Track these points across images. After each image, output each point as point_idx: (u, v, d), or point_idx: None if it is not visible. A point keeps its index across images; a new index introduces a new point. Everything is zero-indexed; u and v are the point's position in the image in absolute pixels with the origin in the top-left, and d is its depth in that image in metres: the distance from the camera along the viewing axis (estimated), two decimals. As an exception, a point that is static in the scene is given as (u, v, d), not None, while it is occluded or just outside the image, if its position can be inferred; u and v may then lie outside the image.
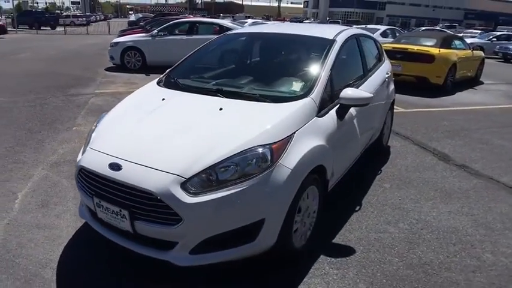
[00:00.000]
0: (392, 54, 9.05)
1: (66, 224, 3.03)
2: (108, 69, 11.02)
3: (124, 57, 10.85)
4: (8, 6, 52.26)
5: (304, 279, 2.42)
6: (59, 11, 69.08)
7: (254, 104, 2.62)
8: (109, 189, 2.24)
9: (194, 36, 10.74)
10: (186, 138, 2.35)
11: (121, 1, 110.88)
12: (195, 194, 2.08)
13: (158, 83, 3.21)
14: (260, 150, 2.22)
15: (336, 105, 2.86)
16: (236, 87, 2.94)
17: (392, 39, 12.26)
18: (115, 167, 2.23)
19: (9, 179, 3.79)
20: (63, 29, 31.67)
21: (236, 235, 2.17)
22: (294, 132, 2.39)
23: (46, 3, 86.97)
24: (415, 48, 8.96)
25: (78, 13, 57.81)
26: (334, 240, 2.87)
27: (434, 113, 7.07)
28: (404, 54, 8.92)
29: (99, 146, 2.45)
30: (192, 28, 11.28)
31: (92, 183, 2.34)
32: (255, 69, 3.51)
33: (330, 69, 2.92)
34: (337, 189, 3.53)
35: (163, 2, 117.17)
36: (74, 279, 2.43)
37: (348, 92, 2.80)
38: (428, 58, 8.69)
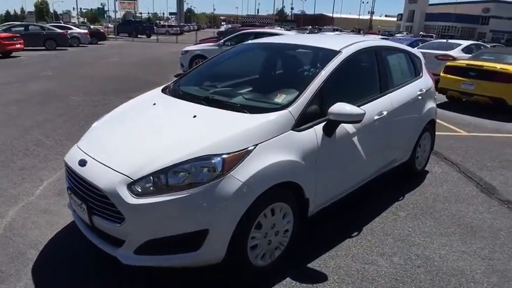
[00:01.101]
0: (466, 71, 8.22)
1: (68, 213, 3.28)
2: (178, 75, 11.77)
3: (192, 65, 11.49)
4: (117, 15, 59.34)
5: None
6: (158, 21, 76.06)
7: (229, 113, 2.57)
8: (76, 183, 2.40)
9: (258, 46, 10.94)
10: (148, 141, 2.40)
11: (215, 12, 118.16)
12: (140, 196, 2.11)
13: (163, 89, 3.34)
14: (212, 159, 2.18)
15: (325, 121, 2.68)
16: (225, 95, 2.93)
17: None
18: (82, 163, 2.38)
19: (44, 167, 4.26)
20: (156, 37, 34.77)
21: (178, 242, 2.14)
22: (257, 145, 2.29)
23: (148, 13, 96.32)
24: (492, 65, 7.94)
25: (173, 23, 62.82)
26: (310, 265, 2.67)
27: (499, 139, 6.18)
28: (479, 72, 7.98)
29: (81, 144, 2.64)
30: (257, 38, 11.50)
31: (68, 176, 2.53)
32: (254, 78, 3.45)
33: (323, 82, 2.74)
34: (340, 211, 3.34)
35: (255, 13, 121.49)
36: (51, 261, 2.64)
37: (336, 107, 2.59)
38: (507, 77, 7.63)
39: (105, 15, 53.04)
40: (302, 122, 2.55)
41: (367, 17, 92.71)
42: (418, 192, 3.97)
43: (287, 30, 22.42)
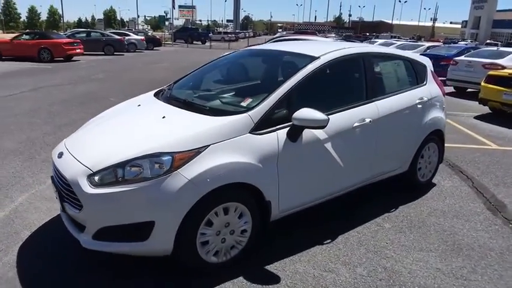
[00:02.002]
0: (508, 81, 7.61)
1: (67, 201, 3.62)
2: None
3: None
4: (179, 23, 62.57)
5: (198, 294, 2.39)
6: (216, 28, 78.71)
7: (195, 115, 2.69)
8: (54, 172, 2.68)
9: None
10: (116, 138, 2.62)
11: (272, 20, 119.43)
12: (97, 186, 2.31)
13: (156, 92, 3.55)
14: (162, 156, 2.32)
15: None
16: (205, 99, 3.07)
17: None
18: (60, 155, 2.65)
19: (63, 160, 4.69)
20: (209, 44, 36.02)
21: (129, 231, 2.31)
22: (209, 145, 2.40)
23: (208, 21, 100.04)
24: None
25: (229, 30, 64.59)
26: (268, 266, 2.70)
27: (534, 155, 5.65)
28: (524, 82, 7.35)
29: (67, 139, 2.92)
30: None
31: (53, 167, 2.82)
32: (233, 83, 3.53)
33: (292, 87, 2.77)
34: (322, 216, 3.38)
35: (313, 20, 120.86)
36: (39, 242, 2.94)
37: (299, 112, 2.61)
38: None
39: (168, 23, 56.06)
40: (263, 125, 2.61)
41: (430, 23, 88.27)
42: (414, 204, 3.80)
43: (326, 37, 22.19)
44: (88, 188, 2.31)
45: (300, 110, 2.63)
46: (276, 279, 2.57)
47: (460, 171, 4.80)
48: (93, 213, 2.35)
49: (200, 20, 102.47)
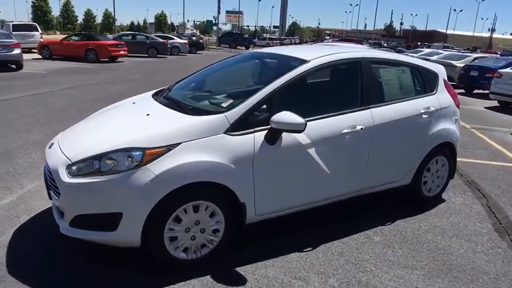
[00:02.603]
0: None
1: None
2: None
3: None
4: (227, 28, 64.14)
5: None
6: (263, 34, 79.48)
7: (177, 114, 2.75)
8: (45, 162, 2.85)
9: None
10: (99, 132, 2.75)
11: (321, 27, 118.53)
12: (74, 176, 2.43)
13: (156, 92, 3.67)
14: (134, 151, 2.40)
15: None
16: (196, 99, 3.13)
17: None
18: (50, 146, 2.83)
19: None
20: (252, 49, 36.43)
21: (100, 220, 2.41)
22: (180, 143, 2.44)
23: (255, 26, 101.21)
24: None
25: (274, 36, 64.96)
26: (239, 268, 2.69)
27: None
28: None
29: (62, 132, 3.10)
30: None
31: (47, 157, 3.01)
32: (228, 84, 3.55)
33: (273, 90, 2.75)
34: (311, 223, 3.36)
35: (363, 28, 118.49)
36: (34, 226, 3.14)
37: (277, 115, 2.59)
38: None
39: (216, 27, 57.62)
40: (240, 126, 2.62)
41: (487, 34, 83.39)
42: (414, 219, 3.61)
43: (367, 45, 21.69)
44: (66, 177, 2.44)
45: (279, 113, 2.61)
46: (242, 281, 2.55)
47: (477, 188, 4.49)
48: (69, 201, 2.48)
49: (248, 26, 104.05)
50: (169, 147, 2.42)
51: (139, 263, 2.67)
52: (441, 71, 3.94)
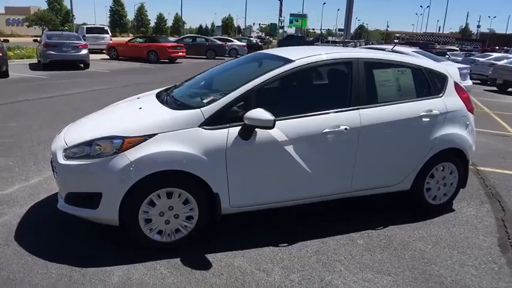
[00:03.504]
0: None
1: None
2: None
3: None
4: (292, 30, 64.57)
5: (127, 265, 2.68)
6: (326, 37, 78.51)
7: (163, 108, 3.01)
8: (53, 146, 3.27)
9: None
10: (96, 123, 3.12)
11: (390, 29, 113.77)
12: (68, 158, 2.78)
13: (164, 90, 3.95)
14: (115, 139, 2.69)
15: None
16: (191, 97, 3.35)
17: None
18: (59, 133, 3.23)
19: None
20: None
21: (84, 198, 2.72)
22: (157, 134, 2.67)
23: (321, 29, 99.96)
24: None
25: (336, 39, 63.71)
26: (209, 255, 2.84)
27: None
28: None
29: (73, 122, 3.51)
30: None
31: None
32: (227, 83, 3.66)
33: (251, 88, 2.88)
34: (297, 219, 3.46)
35: (436, 31, 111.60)
36: (50, 203, 3.54)
37: (250, 112, 2.71)
38: None
39: (282, 30, 58.21)
40: (216, 121, 2.78)
41: None
42: (410, 226, 3.47)
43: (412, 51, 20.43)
44: (61, 159, 2.80)
45: (252, 110, 2.73)
46: (206, 266, 2.71)
47: (498, 200, 4.16)
48: (62, 180, 2.84)
49: (313, 29, 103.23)
50: (146, 137, 2.67)
51: (117, 241, 2.94)
52: (453, 74, 3.73)
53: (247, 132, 2.79)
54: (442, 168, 3.65)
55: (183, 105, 3.02)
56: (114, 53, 19.20)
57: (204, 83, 3.73)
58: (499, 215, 3.82)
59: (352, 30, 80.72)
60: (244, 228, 3.25)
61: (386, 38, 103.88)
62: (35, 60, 15.31)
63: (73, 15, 28.61)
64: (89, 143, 2.76)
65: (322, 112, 3.06)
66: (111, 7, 73.84)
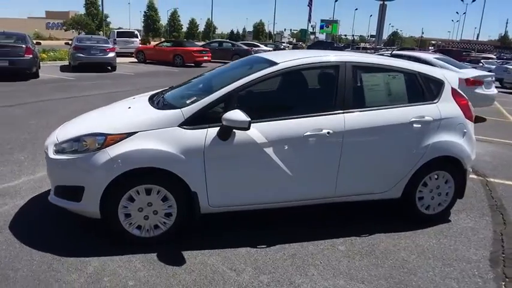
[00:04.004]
0: None
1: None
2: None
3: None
4: (323, 36, 64.25)
5: (105, 257, 2.79)
6: (359, 43, 77.45)
7: (149, 108, 3.13)
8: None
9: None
10: (87, 121, 3.29)
11: (425, 36, 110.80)
12: (57, 153, 2.94)
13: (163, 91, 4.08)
14: (98, 136, 2.82)
15: None
16: (179, 97, 3.42)
17: None
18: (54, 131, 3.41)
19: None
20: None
21: (70, 192, 2.86)
22: (137, 132, 2.78)
23: (353, 35, 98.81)
24: None
25: (368, 45, 62.70)
26: (185, 252, 2.90)
27: None
28: None
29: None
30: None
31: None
32: (214, 84, 3.72)
33: (232, 90, 2.93)
34: (282, 222, 3.47)
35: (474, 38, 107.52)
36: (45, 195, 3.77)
37: (227, 113, 2.76)
38: None
39: (314, 36, 58.13)
40: (195, 121, 2.86)
41: None
42: (397, 235, 3.39)
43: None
44: (51, 154, 2.96)
45: (230, 111, 2.78)
46: (180, 263, 2.77)
47: (501, 213, 3.98)
48: (51, 173, 3.02)
49: (345, 35, 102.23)
50: (127, 135, 2.78)
51: (100, 234, 3.05)
52: (451, 79, 3.62)
53: (225, 133, 2.84)
54: (436, 176, 3.54)
55: (168, 106, 3.12)
56: (142, 56, 19.84)
57: (198, 86, 3.82)
58: (498, 228, 3.66)
59: (385, 37, 79.21)
60: (227, 228, 3.29)
61: (421, 45, 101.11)
62: (66, 62, 16.08)
63: (105, 20, 29.72)
64: (77, 139, 2.90)
65: (304, 115, 3.06)
66: (145, 12, 76.31)
